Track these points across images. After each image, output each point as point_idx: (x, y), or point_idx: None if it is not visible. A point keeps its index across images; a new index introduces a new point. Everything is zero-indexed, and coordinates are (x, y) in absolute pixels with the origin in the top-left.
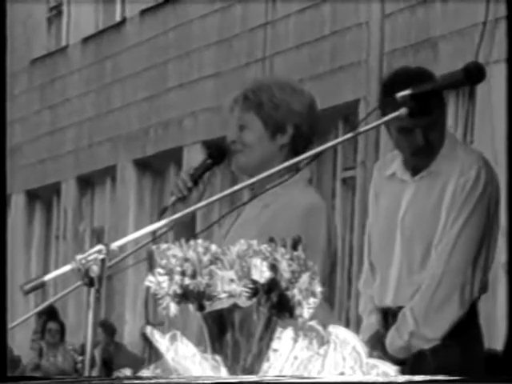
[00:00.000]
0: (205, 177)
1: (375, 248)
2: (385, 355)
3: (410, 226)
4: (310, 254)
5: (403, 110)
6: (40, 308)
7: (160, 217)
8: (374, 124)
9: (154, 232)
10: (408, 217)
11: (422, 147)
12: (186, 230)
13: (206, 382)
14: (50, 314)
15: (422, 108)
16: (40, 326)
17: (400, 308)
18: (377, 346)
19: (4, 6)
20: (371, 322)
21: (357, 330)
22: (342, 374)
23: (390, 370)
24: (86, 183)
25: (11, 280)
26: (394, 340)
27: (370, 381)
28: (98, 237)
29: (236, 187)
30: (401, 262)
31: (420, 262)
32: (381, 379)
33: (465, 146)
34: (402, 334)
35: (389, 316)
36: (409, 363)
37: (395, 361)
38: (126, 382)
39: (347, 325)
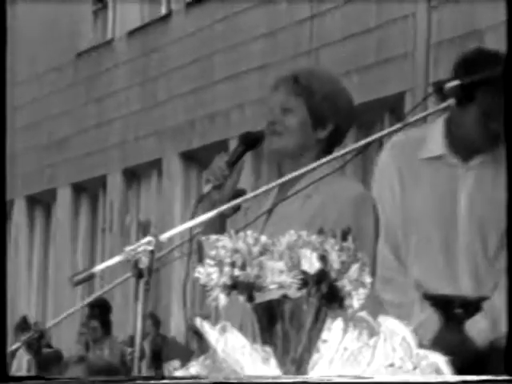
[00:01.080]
0: (239, 164)
1: (417, 233)
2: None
3: (480, 214)
4: (360, 245)
5: (451, 101)
6: (86, 302)
7: (197, 206)
8: (422, 115)
9: (201, 224)
10: (471, 205)
11: (497, 132)
12: (218, 223)
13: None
14: (94, 310)
15: (470, 98)
16: (84, 321)
17: (480, 297)
18: (450, 337)
19: (4, 6)
20: (429, 312)
21: (406, 319)
22: (391, 365)
23: (440, 360)
24: (132, 176)
25: (57, 273)
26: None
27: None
28: (144, 229)
29: (280, 180)
30: (475, 250)
31: (495, 251)
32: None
33: None
34: (494, 327)
35: (456, 305)
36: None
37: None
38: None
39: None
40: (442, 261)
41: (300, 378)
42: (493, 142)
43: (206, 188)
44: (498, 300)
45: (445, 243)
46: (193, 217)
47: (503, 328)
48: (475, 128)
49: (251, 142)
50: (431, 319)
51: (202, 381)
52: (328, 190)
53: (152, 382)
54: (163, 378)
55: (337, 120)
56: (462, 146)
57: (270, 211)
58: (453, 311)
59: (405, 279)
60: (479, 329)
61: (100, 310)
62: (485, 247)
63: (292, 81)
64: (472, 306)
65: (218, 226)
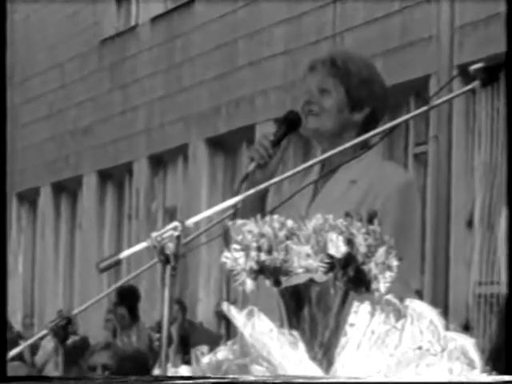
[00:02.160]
0: (283, 143)
1: None
2: None
3: None
4: (406, 232)
5: (476, 83)
6: (112, 288)
7: (241, 184)
8: (446, 98)
9: (228, 208)
10: None
11: None
12: (259, 204)
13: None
14: (122, 297)
15: (495, 79)
16: (112, 308)
17: None
18: None
19: (4, 6)
20: None
21: (432, 304)
22: (419, 348)
23: (468, 343)
24: (158, 162)
25: (84, 260)
26: None
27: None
28: (170, 216)
29: (309, 163)
30: None
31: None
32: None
33: None
34: None
35: None
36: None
37: None
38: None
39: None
40: None
41: (301, 379)
42: None
43: (251, 166)
44: None
45: None
46: (236, 195)
47: None
48: None
49: (293, 122)
50: None
51: (203, 381)
52: (373, 175)
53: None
54: (162, 378)
55: (373, 104)
56: None
57: (314, 194)
58: None
59: None
60: None
61: (128, 297)
62: None
63: (330, 62)
64: None
65: (258, 207)
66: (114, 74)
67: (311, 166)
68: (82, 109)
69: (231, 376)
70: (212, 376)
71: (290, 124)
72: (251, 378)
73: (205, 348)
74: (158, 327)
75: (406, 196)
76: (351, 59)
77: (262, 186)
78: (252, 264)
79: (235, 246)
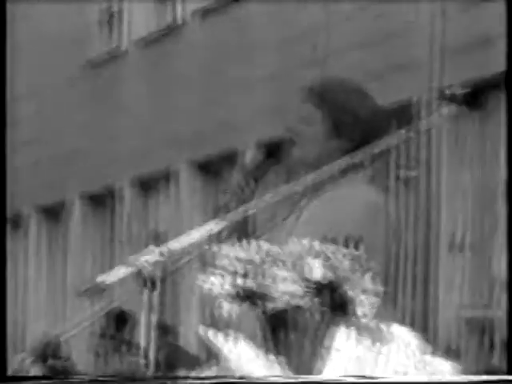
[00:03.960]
0: (259, 175)
1: None
2: None
3: None
4: (373, 254)
5: (460, 108)
6: (99, 311)
7: (215, 217)
8: (431, 122)
9: (210, 233)
10: None
11: None
12: (240, 231)
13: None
14: (112, 320)
15: (475, 104)
16: (101, 330)
17: None
18: None
19: (4, 6)
20: None
21: (422, 330)
22: (405, 373)
23: (447, 367)
24: (144, 186)
25: (68, 283)
26: None
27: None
28: (155, 239)
29: (293, 185)
30: None
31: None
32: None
33: None
34: None
35: None
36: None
37: None
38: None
39: (412, 326)
40: None
41: (302, 379)
42: None
43: (225, 199)
44: None
45: None
46: (212, 226)
47: None
48: None
49: (272, 153)
50: None
51: (203, 381)
52: (346, 197)
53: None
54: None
55: (359, 131)
56: None
57: (299, 214)
58: None
59: None
60: None
61: (117, 321)
62: None
63: (314, 91)
64: None
65: (242, 232)
66: (101, 97)
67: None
68: (68, 133)
69: (231, 376)
70: (212, 376)
71: (267, 156)
72: (251, 378)
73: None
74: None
75: (373, 218)
76: (336, 87)
77: (242, 210)
78: (229, 288)
79: (216, 270)
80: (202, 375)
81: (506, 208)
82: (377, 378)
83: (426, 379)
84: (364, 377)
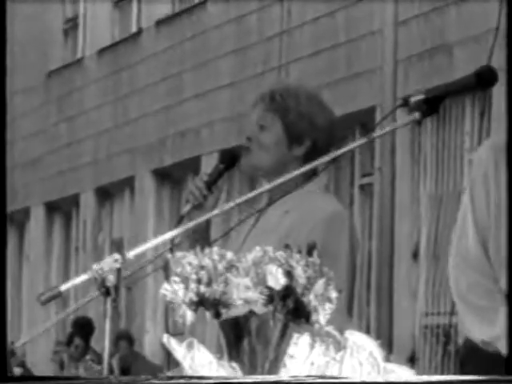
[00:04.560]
0: (219, 183)
1: (505, 246)
2: None
3: None
4: (332, 262)
5: (416, 115)
6: (58, 319)
7: (177, 226)
8: (388, 129)
9: (171, 241)
10: None
11: None
12: (202, 238)
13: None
14: (79, 328)
15: (435, 111)
16: (67, 338)
17: None
18: None
19: (4, 7)
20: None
21: (377, 336)
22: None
23: (408, 374)
24: (105, 194)
25: (31, 291)
26: None
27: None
28: (117, 247)
29: (252, 193)
30: None
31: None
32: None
33: None
34: None
35: None
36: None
37: None
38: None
39: (367, 332)
40: None
41: (304, 379)
42: None
43: (186, 208)
44: None
45: None
46: (174, 236)
47: None
48: None
49: (231, 160)
50: None
51: (203, 381)
52: (304, 205)
53: (157, 382)
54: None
55: (314, 137)
56: None
57: (254, 223)
58: None
59: (492, 285)
60: None
61: (84, 328)
62: None
63: (269, 98)
64: None
65: (203, 241)
66: (61, 106)
67: (257, 199)
68: (29, 141)
69: (231, 376)
70: (212, 376)
71: (225, 163)
72: (251, 378)
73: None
74: (99, 359)
75: (332, 226)
76: (291, 93)
77: (204, 218)
78: (192, 296)
79: (175, 278)
80: (199, 376)
81: (506, 220)
82: (340, 378)
83: (414, 379)
84: (325, 377)
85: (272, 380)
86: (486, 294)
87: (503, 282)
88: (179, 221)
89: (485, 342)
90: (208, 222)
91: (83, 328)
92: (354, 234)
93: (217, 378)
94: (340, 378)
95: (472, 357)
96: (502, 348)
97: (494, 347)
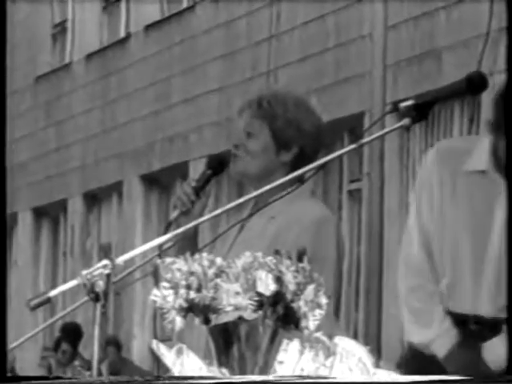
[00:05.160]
0: (207, 188)
1: (448, 246)
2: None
3: (502, 234)
4: (319, 267)
5: (406, 121)
6: (47, 324)
7: (165, 232)
8: (377, 135)
9: (159, 246)
10: (502, 225)
11: None
12: (189, 244)
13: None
14: (67, 333)
15: (424, 117)
16: (54, 343)
17: (495, 319)
18: (465, 354)
19: (4, 7)
20: (446, 327)
21: (365, 341)
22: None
23: (399, 380)
24: (93, 199)
25: (19, 297)
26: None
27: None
28: (105, 253)
29: (240, 200)
30: (499, 273)
31: (506, 274)
32: (388, 379)
33: None
34: None
35: (470, 323)
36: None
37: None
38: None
39: (355, 337)
40: (468, 278)
41: (291, 379)
42: None
43: (174, 214)
44: None
45: (474, 259)
46: (162, 241)
47: None
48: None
49: (218, 166)
50: (449, 333)
51: (203, 381)
52: (291, 211)
53: (158, 382)
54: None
55: (302, 143)
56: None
57: (240, 230)
58: (470, 329)
59: (433, 287)
60: (496, 353)
61: (72, 333)
62: (501, 268)
63: (256, 104)
64: (489, 327)
65: (190, 247)
66: (49, 111)
67: (244, 205)
68: (16, 146)
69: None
70: (212, 376)
71: (213, 169)
72: (251, 378)
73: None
74: (88, 365)
75: (318, 231)
76: (278, 100)
77: (192, 224)
78: (181, 302)
79: (164, 283)
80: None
81: (506, 220)
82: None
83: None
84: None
85: (259, 380)
86: (426, 296)
87: (444, 283)
88: (167, 227)
89: (420, 345)
90: (196, 229)
91: (71, 333)
92: (341, 239)
93: (206, 378)
94: (327, 378)
95: (412, 359)
96: (437, 350)
97: (430, 350)
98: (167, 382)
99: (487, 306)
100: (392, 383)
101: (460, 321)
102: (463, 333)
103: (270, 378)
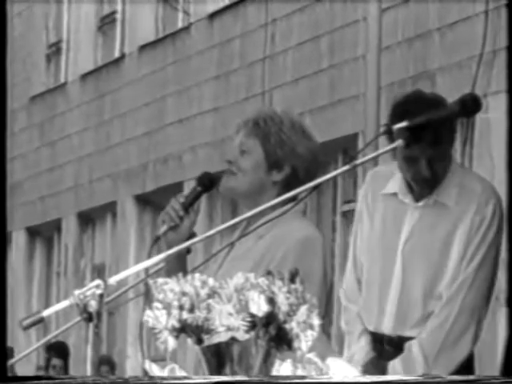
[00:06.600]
0: (196, 205)
1: (366, 266)
2: None
3: (413, 255)
4: (305, 286)
5: (400, 142)
6: (40, 343)
7: (152, 247)
8: (371, 156)
9: (147, 269)
10: (411, 244)
11: (425, 177)
12: (178, 264)
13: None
14: (55, 350)
15: (418, 139)
16: (45, 362)
17: (400, 338)
18: (374, 372)
19: (4, 6)
20: (362, 344)
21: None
22: None
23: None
24: (87, 219)
25: (13, 316)
26: (400, 373)
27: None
28: (98, 273)
29: (233, 221)
30: (401, 290)
31: (422, 297)
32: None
33: (472, 174)
34: (409, 370)
35: (384, 343)
36: None
37: None
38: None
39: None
40: (375, 297)
41: (305, 379)
42: (433, 184)
43: (162, 229)
44: (427, 342)
45: (382, 278)
46: (148, 258)
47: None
48: (420, 170)
49: (208, 183)
50: (363, 350)
51: (203, 381)
52: (278, 230)
53: (155, 382)
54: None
55: (294, 164)
56: (411, 186)
57: (230, 249)
58: (384, 348)
59: (357, 309)
60: (395, 372)
61: (61, 351)
62: (411, 289)
63: (252, 123)
64: (394, 346)
65: (178, 267)
66: (43, 131)
67: (235, 225)
68: (10, 166)
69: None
70: (211, 376)
71: (203, 186)
72: (251, 378)
73: None
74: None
75: (305, 250)
76: (274, 120)
77: (184, 245)
78: (174, 322)
79: (157, 304)
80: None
81: (506, 220)
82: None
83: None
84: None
85: (259, 380)
86: (349, 318)
87: (360, 304)
88: (155, 241)
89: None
90: (184, 251)
91: (58, 349)
92: (328, 259)
93: (204, 378)
94: (327, 378)
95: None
96: (355, 367)
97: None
98: (165, 382)
99: (388, 324)
100: (392, 383)
101: (377, 339)
102: (379, 351)
103: (269, 378)
